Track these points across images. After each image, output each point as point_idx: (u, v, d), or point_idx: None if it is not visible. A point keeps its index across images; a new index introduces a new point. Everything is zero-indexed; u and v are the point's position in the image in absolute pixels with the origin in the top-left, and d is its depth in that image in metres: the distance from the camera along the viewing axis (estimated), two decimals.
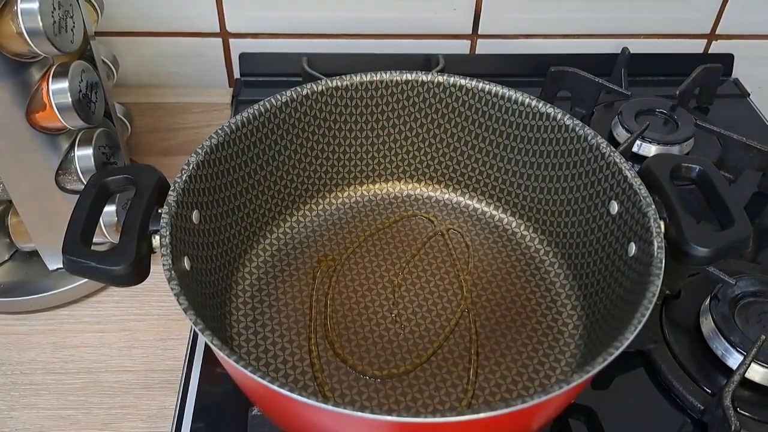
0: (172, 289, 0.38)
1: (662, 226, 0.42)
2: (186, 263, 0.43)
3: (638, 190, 0.44)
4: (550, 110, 0.51)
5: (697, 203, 0.54)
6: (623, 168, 0.46)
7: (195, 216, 0.46)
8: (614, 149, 0.47)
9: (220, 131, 0.48)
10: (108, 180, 0.43)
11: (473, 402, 0.46)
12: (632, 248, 0.44)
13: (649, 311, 0.38)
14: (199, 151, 0.47)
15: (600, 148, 0.48)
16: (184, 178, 0.45)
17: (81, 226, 0.40)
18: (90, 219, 0.41)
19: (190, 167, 0.46)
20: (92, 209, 0.42)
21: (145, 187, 0.42)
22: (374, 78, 0.54)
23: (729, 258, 0.53)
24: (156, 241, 0.41)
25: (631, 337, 0.36)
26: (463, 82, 0.54)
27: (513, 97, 0.53)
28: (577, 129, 0.50)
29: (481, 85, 0.54)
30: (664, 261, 0.41)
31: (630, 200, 0.45)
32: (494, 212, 0.59)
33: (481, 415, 0.33)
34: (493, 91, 0.53)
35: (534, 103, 0.52)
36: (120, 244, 0.40)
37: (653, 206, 0.43)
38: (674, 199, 0.43)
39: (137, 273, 0.40)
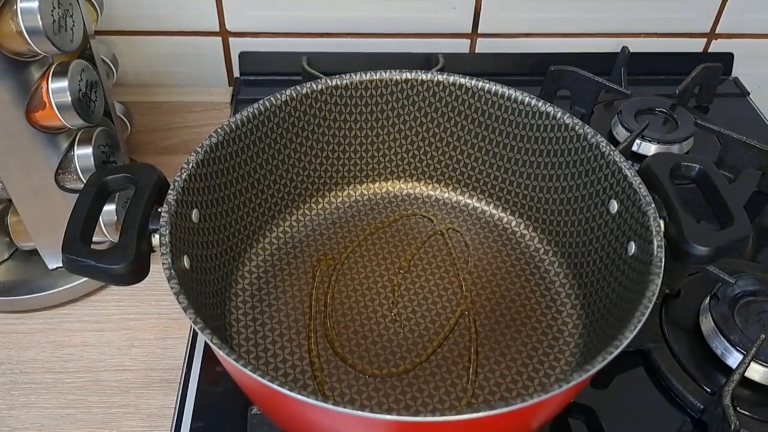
0: (171, 287, 0.38)
1: (662, 225, 0.42)
2: (185, 262, 0.43)
3: (638, 189, 0.44)
4: (550, 109, 0.51)
5: (698, 202, 0.54)
6: (623, 167, 0.46)
7: (195, 215, 0.46)
8: (614, 148, 0.47)
9: (219, 130, 0.48)
10: (108, 179, 0.43)
11: (473, 401, 0.46)
12: (632, 247, 0.44)
13: (649, 310, 0.38)
14: (199, 150, 0.47)
15: (600, 147, 0.48)
16: (183, 177, 0.45)
17: (80, 224, 0.40)
18: (90, 218, 0.41)
19: (190, 166, 0.46)
20: (92, 208, 0.42)
21: (144, 186, 0.42)
22: (374, 77, 0.54)
23: (729, 257, 0.53)
24: (156, 240, 0.41)
25: (631, 336, 0.36)
26: (462, 81, 0.54)
27: (513, 96, 0.53)
28: (577, 128, 0.50)
29: (480, 84, 0.54)
30: (663, 260, 0.40)
31: (630, 199, 0.45)
32: (494, 211, 0.59)
33: (481, 414, 0.33)
34: (493, 90, 0.53)
35: (534, 102, 0.52)
36: (119, 242, 0.40)
37: (653, 205, 0.43)
38: (674, 198, 0.42)
39: (137, 272, 0.40)
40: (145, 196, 0.42)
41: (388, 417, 0.33)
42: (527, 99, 0.52)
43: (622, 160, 0.46)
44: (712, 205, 0.44)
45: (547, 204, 0.54)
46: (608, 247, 0.47)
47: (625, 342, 0.36)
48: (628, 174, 0.45)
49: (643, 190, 0.44)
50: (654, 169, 0.44)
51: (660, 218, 0.42)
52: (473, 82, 0.54)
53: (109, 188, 0.44)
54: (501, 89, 0.53)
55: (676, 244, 0.41)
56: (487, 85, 0.53)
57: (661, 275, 0.39)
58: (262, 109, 0.51)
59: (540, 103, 0.52)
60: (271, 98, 0.51)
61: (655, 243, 0.41)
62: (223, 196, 0.50)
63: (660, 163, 0.45)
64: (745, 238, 0.41)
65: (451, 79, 0.54)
